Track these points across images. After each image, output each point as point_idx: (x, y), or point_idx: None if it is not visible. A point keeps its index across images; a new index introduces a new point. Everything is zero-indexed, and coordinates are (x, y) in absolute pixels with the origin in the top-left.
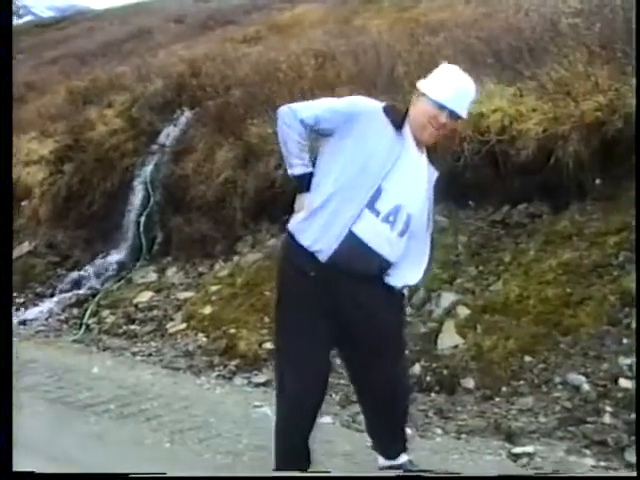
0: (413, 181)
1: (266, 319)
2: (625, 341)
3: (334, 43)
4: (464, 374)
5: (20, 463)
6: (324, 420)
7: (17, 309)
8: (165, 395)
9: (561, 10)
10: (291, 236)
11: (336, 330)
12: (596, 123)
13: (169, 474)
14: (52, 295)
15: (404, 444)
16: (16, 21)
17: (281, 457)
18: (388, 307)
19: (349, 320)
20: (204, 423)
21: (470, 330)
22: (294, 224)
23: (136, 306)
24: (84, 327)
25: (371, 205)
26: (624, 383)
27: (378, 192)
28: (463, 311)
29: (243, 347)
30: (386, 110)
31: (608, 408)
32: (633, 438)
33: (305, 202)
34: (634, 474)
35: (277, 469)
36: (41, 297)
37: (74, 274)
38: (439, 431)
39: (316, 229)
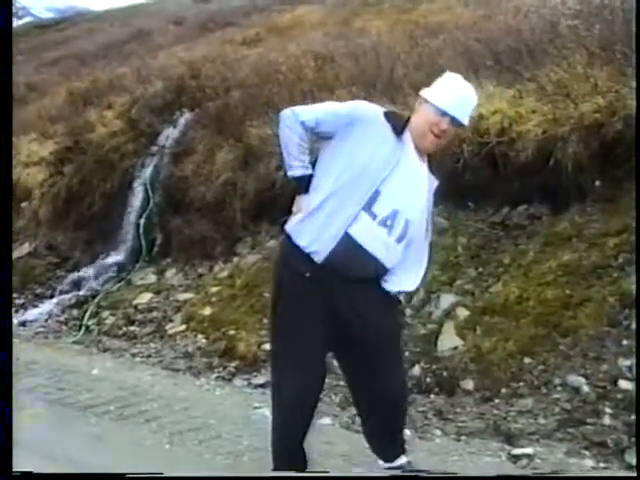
0: (412, 187)
1: (265, 320)
2: (625, 342)
3: (334, 45)
4: (463, 375)
5: (20, 463)
6: (323, 421)
7: (17, 310)
8: (165, 396)
9: (560, 12)
10: (288, 237)
11: (332, 332)
12: (595, 125)
13: (169, 475)
14: (52, 296)
15: (402, 447)
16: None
17: (280, 458)
18: (384, 311)
19: (345, 322)
20: (204, 424)
21: (470, 331)
22: (291, 225)
23: (136, 307)
24: (84, 328)
25: (368, 208)
26: (624, 384)
27: (375, 195)
28: (463, 312)
29: (243, 348)
30: (387, 115)
31: (608, 409)
32: (633, 439)
33: (303, 203)
34: (634, 474)
35: (276, 470)
36: (41, 298)
37: (74, 275)
38: (438, 432)
39: (313, 230)
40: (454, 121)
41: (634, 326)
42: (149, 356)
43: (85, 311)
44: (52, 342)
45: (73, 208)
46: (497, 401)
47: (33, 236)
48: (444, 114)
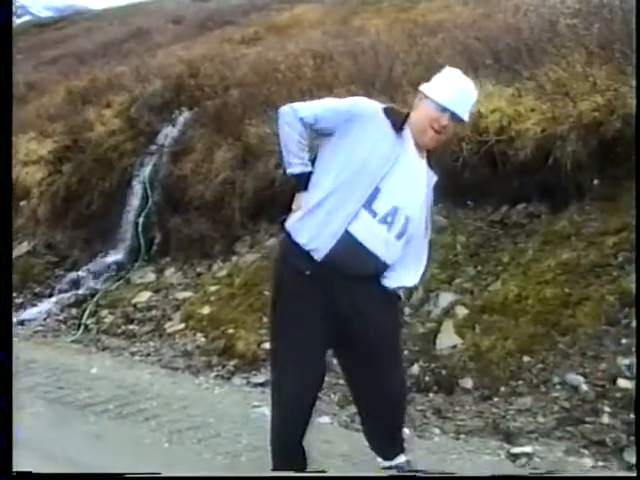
0: (412, 184)
1: (264, 319)
2: (624, 341)
3: (333, 43)
4: (462, 374)
5: (20, 463)
6: (322, 420)
7: (16, 309)
8: (164, 395)
9: (559, 11)
10: (288, 235)
11: (332, 330)
12: (594, 123)
13: (168, 474)
14: (51, 295)
15: (401, 445)
16: (14, 21)
17: (279, 457)
18: (384, 309)
19: (345, 320)
20: (203, 423)
21: (468, 330)
22: (291, 223)
23: (135, 306)
24: (83, 327)
25: (368, 205)
26: (623, 383)
27: (375, 192)
28: (461, 311)
29: (241, 347)
30: (386, 112)
31: (607, 408)
32: (632, 438)
33: (302, 201)
34: (634, 474)
35: (275, 469)
36: (40, 297)
37: (73, 274)
38: (437, 431)
39: (312, 227)
40: (454, 117)
41: (634, 325)
42: (148, 355)
43: (84, 310)
44: (51, 341)
45: (72, 207)
46: (496, 400)
47: (32, 235)
48: (444, 110)
